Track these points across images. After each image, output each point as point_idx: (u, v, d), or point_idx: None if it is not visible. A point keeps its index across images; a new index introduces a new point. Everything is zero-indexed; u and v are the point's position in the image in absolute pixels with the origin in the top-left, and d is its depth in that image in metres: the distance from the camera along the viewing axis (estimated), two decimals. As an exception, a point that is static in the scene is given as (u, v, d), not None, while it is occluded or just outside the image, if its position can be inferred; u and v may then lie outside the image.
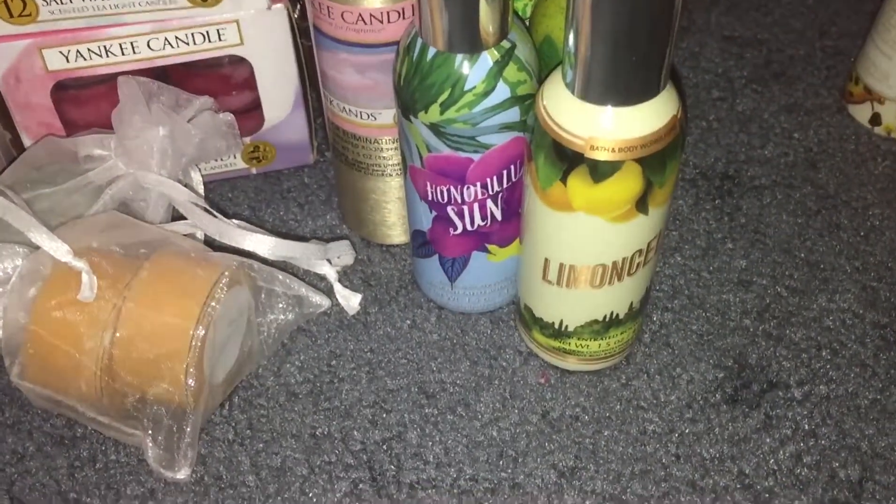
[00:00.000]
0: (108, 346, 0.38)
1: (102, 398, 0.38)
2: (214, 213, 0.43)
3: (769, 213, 0.50)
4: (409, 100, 0.37)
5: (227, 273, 0.40)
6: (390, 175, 0.45)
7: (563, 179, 0.35)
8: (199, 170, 0.49)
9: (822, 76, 0.58)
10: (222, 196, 0.52)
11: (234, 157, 0.51)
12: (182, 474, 0.38)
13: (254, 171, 0.53)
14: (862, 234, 0.49)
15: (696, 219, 0.50)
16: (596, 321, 0.40)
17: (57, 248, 0.38)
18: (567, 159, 0.34)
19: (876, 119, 0.54)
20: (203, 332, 0.38)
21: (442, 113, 0.37)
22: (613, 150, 0.34)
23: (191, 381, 0.38)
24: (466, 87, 0.36)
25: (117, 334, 0.38)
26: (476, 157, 0.38)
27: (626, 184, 0.34)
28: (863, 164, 0.53)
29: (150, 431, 0.37)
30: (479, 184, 0.39)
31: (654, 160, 0.34)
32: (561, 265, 0.38)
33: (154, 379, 0.38)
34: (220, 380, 0.41)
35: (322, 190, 0.52)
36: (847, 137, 0.54)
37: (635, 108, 0.33)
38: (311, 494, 0.40)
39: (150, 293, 0.39)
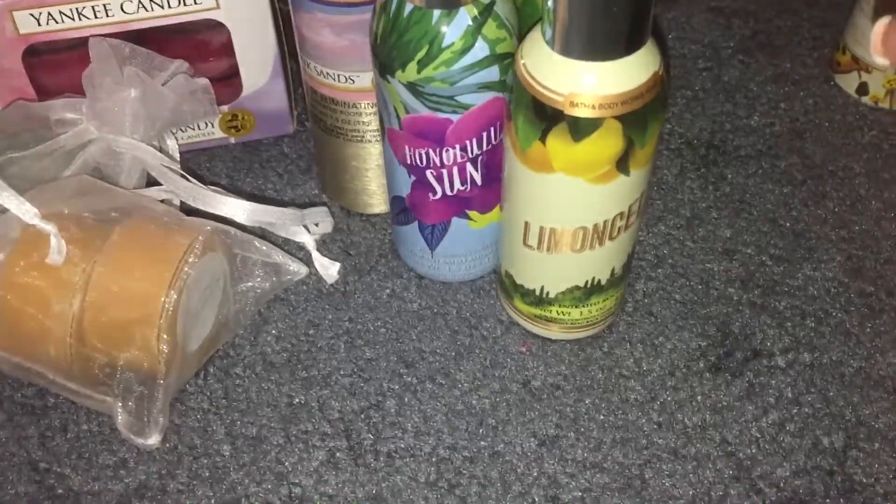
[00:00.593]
0: (78, 312, 0.37)
1: (72, 365, 0.37)
2: (189, 177, 0.42)
3: (754, 182, 0.50)
4: (387, 58, 0.36)
5: (200, 238, 0.39)
6: (369, 141, 0.45)
7: (543, 139, 0.34)
8: (176, 138, 0.48)
9: (809, 46, 0.57)
10: (200, 165, 0.51)
11: (213, 126, 0.50)
12: (152, 441, 0.38)
13: (232, 140, 0.52)
14: (848, 203, 0.49)
15: (681, 188, 0.50)
16: (577, 287, 0.40)
17: (25, 211, 0.37)
18: (546, 117, 0.34)
19: (863, 88, 0.53)
20: (175, 297, 0.37)
21: (419, 71, 0.36)
22: (594, 107, 0.33)
23: (163, 347, 0.37)
24: (444, 44, 0.35)
25: (87, 299, 0.37)
26: (455, 117, 0.37)
27: (607, 142, 0.34)
28: (849, 133, 0.52)
29: (120, 398, 0.37)
30: (458, 146, 0.39)
31: (635, 118, 0.33)
32: (541, 229, 0.38)
33: (125, 345, 0.37)
34: (195, 348, 0.40)
35: (302, 160, 0.51)
36: (834, 107, 0.54)
37: (616, 64, 0.32)
38: (286, 463, 0.39)
39: (121, 258, 0.38)
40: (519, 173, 0.37)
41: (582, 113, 0.33)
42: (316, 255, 0.45)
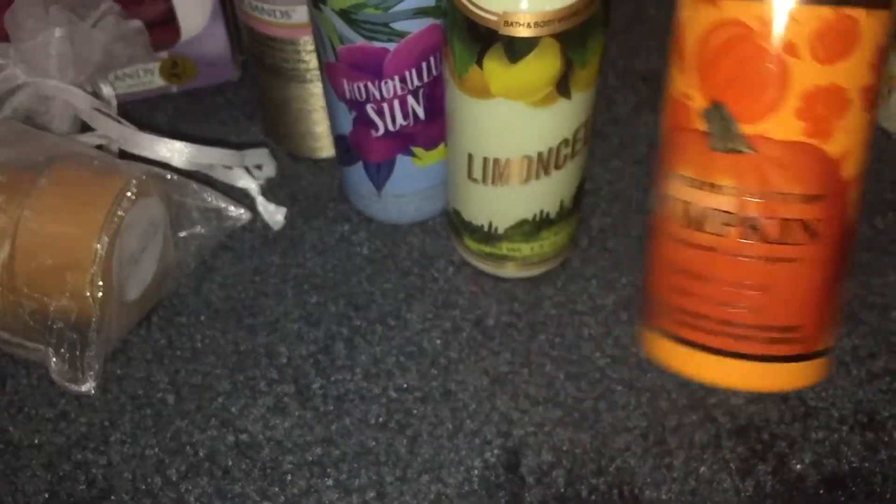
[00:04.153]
0: (7, 259, 0.35)
1: (4, 313, 0.36)
2: (122, 120, 0.40)
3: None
4: (316, -15, 0.35)
5: (134, 182, 0.37)
6: (311, 81, 0.43)
7: (479, 62, 0.33)
8: (114, 87, 0.46)
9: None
10: (140, 115, 0.49)
11: (152, 75, 0.49)
12: (86, 387, 0.36)
13: (174, 88, 0.50)
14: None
15: (637, 123, 0.49)
16: (526, 221, 0.39)
17: (-53, 159, 0.36)
18: (481, 39, 0.32)
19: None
20: (107, 242, 0.36)
21: (351, -3, 0.34)
22: (529, 26, 0.32)
23: (97, 293, 0.35)
24: (374, -33, 0.34)
25: (15, 245, 0.35)
26: (391, 46, 0.36)
27: (545, 63, 0.33)
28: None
29: (52, 345, 0.35)
30: (397, 77, 0.37)
31: (573, 36, 0.32)
32: (485, 160, 0.37)
33: (56, 291, 0.35)
34: (135, 297, 0.39)
35: (247, 106, 0.50)
36: None
37: (550, -22, 0.31)
38: (233, 409, 0.38)
39: (51, 202, 0.36)
40: (459, 102, 0.35)
41: (517, 32, 0.32)
42: (260, 200, 0.44)
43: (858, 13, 0.24)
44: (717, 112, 0.26)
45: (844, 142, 0.26)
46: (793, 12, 0.25)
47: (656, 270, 0.27)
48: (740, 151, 0.26)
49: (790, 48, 0.25)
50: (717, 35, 0.25)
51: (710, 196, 0.26)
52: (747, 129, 0.26)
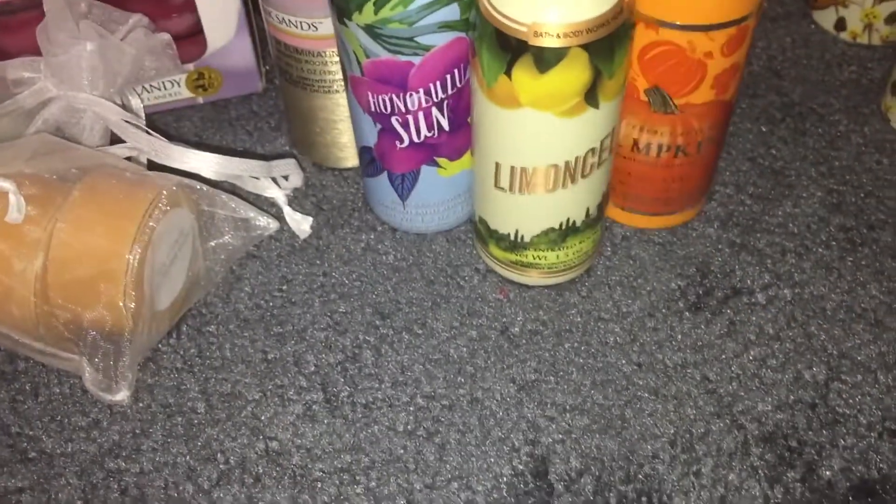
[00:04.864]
0: (40, 270, 0.36)
1: (38, 324, 0.37)
2: (152, 132, 0.41)
3: (732, 122, 0.49)
4: (342, 1, 0.35)
5: (165, 193, 0.38)
6: (337, 91, 0.44)
7: (508, 72, 0.33)
8: (142, 98, 0.47)
9: (786, -15, 0.56)
10: (167, 125, 0.50)
11: (179, 86, 0.49)
12: (120, 396, 0.37)
13: (200, 100, 0.51)
14: (827, 139, 0.48)
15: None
16: (552, 229, 0.39)
17: (-18, 171, 0.36)
18: (511, 49, 0.33)
19: (841, 24, 0.52)
20: (140, 252, 0.36)
21: (376, 12, 0.35)
22: (558, 36, 0.32)
23: (129, 304, 0.36)
24: (401, -19, 0.34)
25: (49, 257, 0.36)
26: (416, 60, 0.36)
27: (573, 73, 0.33)
28: (828, 70, 0.51)
29: (87, 355, 0.36)
30: (422, 90, 0.38)
31: (602, 46, 0.33)
32: (512, 169, 0.37)
33: (90, 302, 0.36)
34: (166, 306, 0.40)
35: (272, 117, 0.50)
36: (812, 44, 0.53)
37: (578, -10, 0.32)
38: (262, 418, 0.38)
39: (84, 214, 0.37)
40: (487, 112, 0.36)
41: (546, 43, 0.32)
42: (287, 210, 0.44)
43: (750, 23, 0.36)
44: (656, 92, 0.38)
45: (734, 88, 0.39)
46: (711, 35, 0.36)
47: (615, 176, 0.42)
48: (673, 113, 0.39)
49: (708, 55, 0.37)
50: (655, 48, 0.37)
51: (651, 136, 0.40)
52: (678, 100, 0.38)
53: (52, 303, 0.36)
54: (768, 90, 0.50)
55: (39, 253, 0.36)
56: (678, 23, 0.36)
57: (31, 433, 0.38)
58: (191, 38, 0.48)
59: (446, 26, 0.36)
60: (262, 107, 0.51)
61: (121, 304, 0.36)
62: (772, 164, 0.47)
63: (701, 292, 0.42)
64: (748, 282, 0.42)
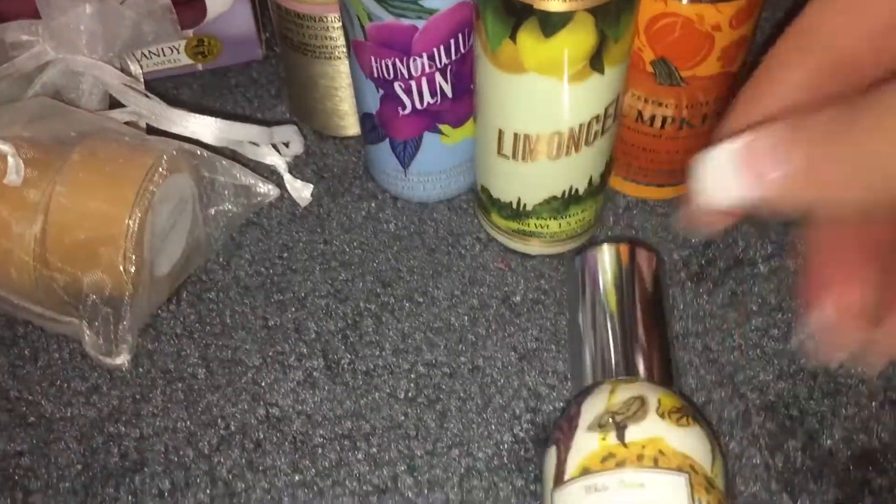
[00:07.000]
0: (39, 233, 0.36)
1: (37, 287, 0.36)
2: (150, 95, 0.40)
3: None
4: (348, -40, 0.35)
5: (165, 157, 0.38)
6: (338, 58, 0.43)
7: (513, 36, 0.33)
8: (141, 65, 0.46)
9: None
10: (167, 92, 0.49)
11: (178, 52, 0.49)
12: (120, 360, 0.37)
13: (200, 67, 0.50)
14: (832, 112, 0.48)
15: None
16: (555, 198, 0.39)
17: (-21, 134, 0.36)
18: (516, 12, 0.32)
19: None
20: (140, 216, 0.36)
21: (382, -28, 0.34)
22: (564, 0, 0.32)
23: (129, 267, 0.36)
24: (406, -59, 0.34)
25: (48, 220, 0.36)
26: (420, 24, 0.36)
27: (579, 37, 0.32)
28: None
29: (86, 319, 0.36)
30: (425, 55, 0.37)
31: (608, 10, 0.32)
32: (516, 135, 0.37)
33: (89, 265, 0.36)
34: (165, 272, 0.39)
35: (272, 85, 0.50)
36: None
37: (585, -49, 0.31)
38: (263, 384, 0.38)
39: (83, 178, 0.36)
40: (490, 77, 0.35)
41: (552, 6, 0.32)
42: (288, 178, 0.44)
43: (760, -6, 0.37)
44: (662, 63, 0.38)
45: (740, 60, 0.39)
46: (719, 7, 0.35)
47: (619, 147, 0.42)
48: (679, 85, 0.38)
49: (715, 27, 0.36)
50: (662, 19, 0.37)
51: (656, 108, 0.40)
52: (684, 73, 0.38)
53: (52, 266, 0.36)
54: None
55: (38, 216, 0.36)
56: None
57: (30, 398, 0.38)
58: (190, 4, 0.47)
59: (450, -11, 0.35)
60: (262, 74, 0.50)
61: (120, 267, 0.36)
62: (775, 135, 0.47)
63: (703, 262, 0.42)
64: (751, 252, 0.42)
